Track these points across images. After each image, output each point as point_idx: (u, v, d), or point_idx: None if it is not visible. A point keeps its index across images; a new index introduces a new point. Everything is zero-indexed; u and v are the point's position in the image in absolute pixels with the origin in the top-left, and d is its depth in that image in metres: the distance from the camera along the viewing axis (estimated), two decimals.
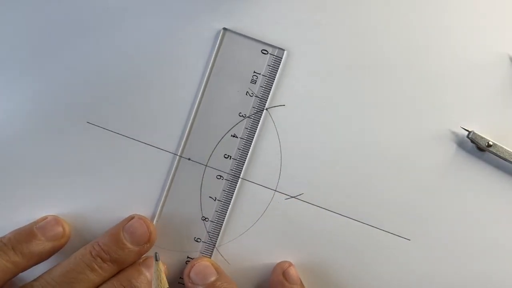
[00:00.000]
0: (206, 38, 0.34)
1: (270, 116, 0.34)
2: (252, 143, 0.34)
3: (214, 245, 0.34)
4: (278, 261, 0.34)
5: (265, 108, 0.34)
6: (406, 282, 0.34)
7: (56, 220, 0.33)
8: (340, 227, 0.34)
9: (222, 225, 0.34)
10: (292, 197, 0.34)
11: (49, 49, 0.34)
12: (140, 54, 0.34)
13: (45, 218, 0.33)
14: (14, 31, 0.34)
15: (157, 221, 0.34)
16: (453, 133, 0.34)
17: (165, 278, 0.29)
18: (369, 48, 0.34)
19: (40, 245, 0.32)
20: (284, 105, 0.34)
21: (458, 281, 0.34)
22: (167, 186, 0.34)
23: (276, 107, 0.34)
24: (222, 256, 0.34)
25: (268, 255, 0.34)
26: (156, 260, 0.29)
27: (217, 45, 0.34)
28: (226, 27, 0.34)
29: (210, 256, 0.34)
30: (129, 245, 0.32)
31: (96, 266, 0.31)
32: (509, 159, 0.33)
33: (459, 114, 0.34)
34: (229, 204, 0.34)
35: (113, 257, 0.31)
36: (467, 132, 0.34)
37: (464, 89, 0.34)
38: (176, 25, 0.34)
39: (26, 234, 0.32)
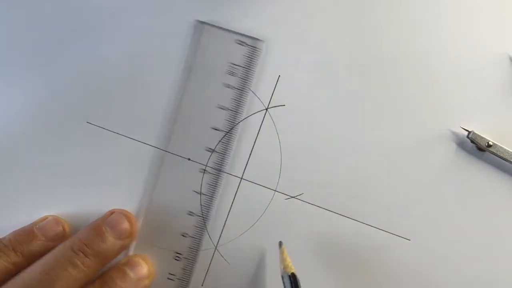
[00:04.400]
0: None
1: (270, 116, 0.34)
2: (252, 143, 0.34)
3: (202, 239, 0.34)
4: (278, 261, 0.34)
5: (265, 108, 0.34)
6: (406, 282, 0.34)
7: (56, 220, 0.33)
8: (340, 227, 0.34)
9: (209, 220, 0.34)
10: (292, 197, 0.34)
11: (47, 50, 0.34)
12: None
13: (45, 218, 0.33)
14: (14, 31, 0.34)
15: (145, 217, 0.34)
16: (453, 133, 0.34)
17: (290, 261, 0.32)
18: (369, 47, 0.34)
19: (41, 245, 0.32)
20: (284, 105, 0.34)
21: (458, 281, 0.34)
22: (155, 182, 0.34)
23: (276, 107, 0.34)
24: (222, 256, 0.34)
25: (268, 255, 0.34)
26: (281, 246, 0.33)
27: (193, 39, 0.34)
28: (202, 19, 0.34)
29: (197, 251, 0.34)
30: (111, 238, 0.32)
31: (78, 262, 0.30)
32: (509, 159, 0.33)
33: (459, 114, 0.34)
34: (216, 198, 0.34)
35: (95, 250, 0.31)
36: (467, 132, 0.34)
37: (464, 89, 0.34)
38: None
39: (26, 234, 0.32)
